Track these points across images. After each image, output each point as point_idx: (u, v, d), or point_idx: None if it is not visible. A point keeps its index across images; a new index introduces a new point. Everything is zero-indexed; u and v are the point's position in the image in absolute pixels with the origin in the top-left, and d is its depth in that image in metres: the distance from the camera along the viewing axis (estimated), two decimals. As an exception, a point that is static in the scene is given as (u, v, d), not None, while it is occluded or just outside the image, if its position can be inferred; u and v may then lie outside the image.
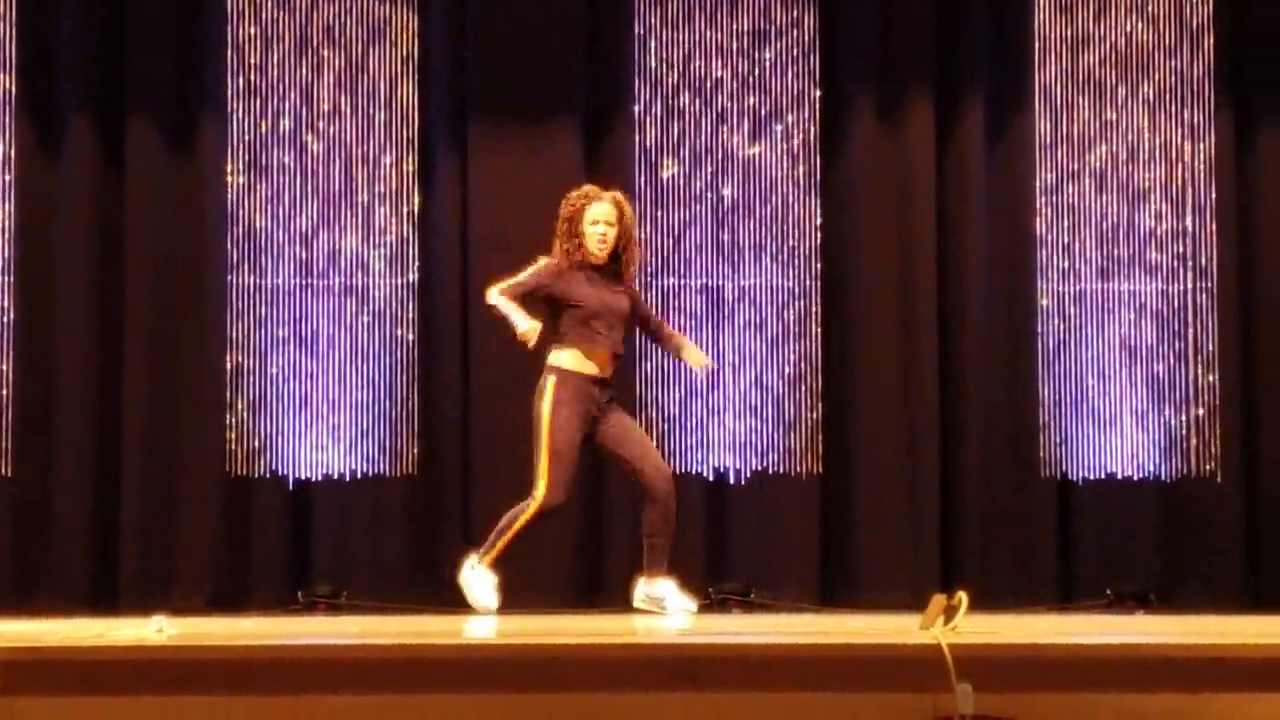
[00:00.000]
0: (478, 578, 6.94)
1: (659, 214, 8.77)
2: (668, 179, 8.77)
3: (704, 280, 8.76)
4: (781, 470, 8.70)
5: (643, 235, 8.68)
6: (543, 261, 6.95)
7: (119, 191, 8.76)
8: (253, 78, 8.72)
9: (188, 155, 8.79)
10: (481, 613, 6.90)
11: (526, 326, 6.75)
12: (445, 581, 8.62)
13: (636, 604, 6.97)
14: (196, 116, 8.77)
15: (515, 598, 8.16)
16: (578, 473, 6.94)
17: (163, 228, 8.76)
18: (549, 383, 6.84)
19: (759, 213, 8.78)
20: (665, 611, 6.88)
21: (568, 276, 6.88)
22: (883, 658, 4.48)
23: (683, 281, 8.75)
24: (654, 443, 7.33)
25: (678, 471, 8.65)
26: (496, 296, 6.86)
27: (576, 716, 4.35)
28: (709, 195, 8.78)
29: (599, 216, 6.93)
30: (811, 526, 8.70)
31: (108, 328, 8.72)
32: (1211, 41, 8.88)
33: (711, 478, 8.70)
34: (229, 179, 8.71)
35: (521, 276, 6.91)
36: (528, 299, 6.88)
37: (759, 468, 8.70)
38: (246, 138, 8.71)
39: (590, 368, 6.86)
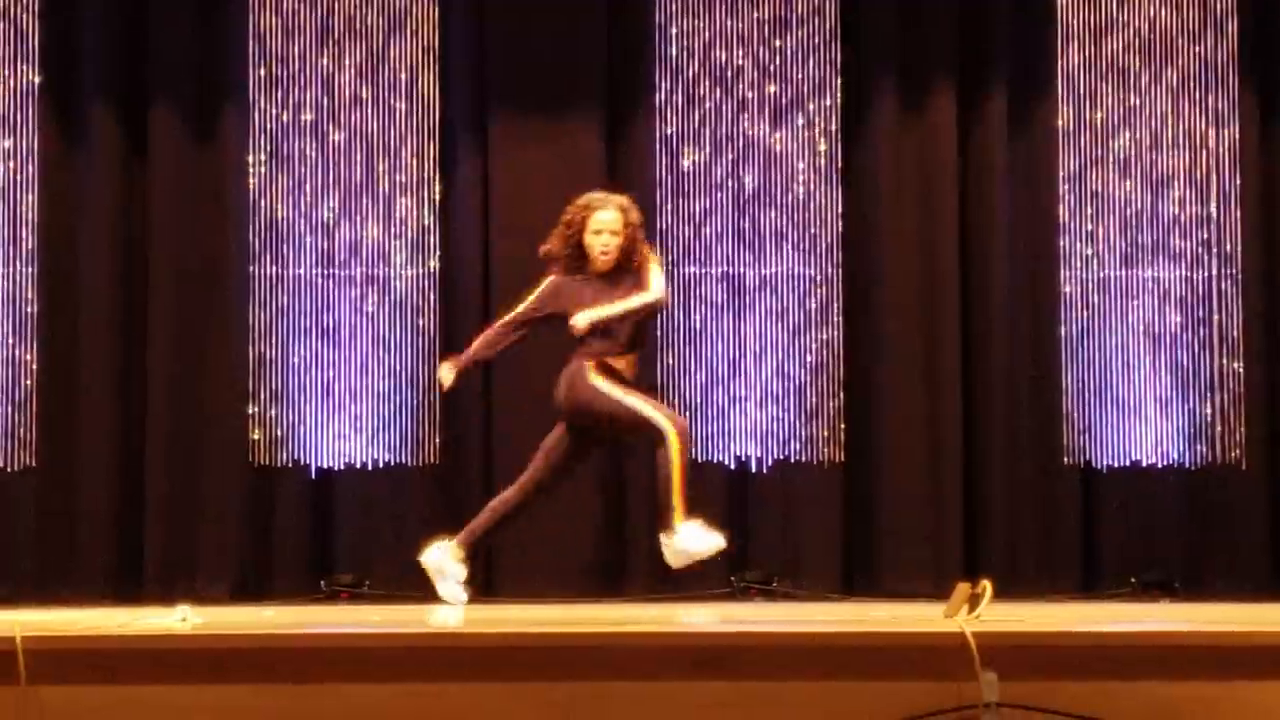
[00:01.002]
0: (689, 532, 6.69)
1: (680, 203, 8.76)
2: (688, 168, 8.76)
3: (725, 269, 8.75)
4: (804, 459, 8.69)
5: (664, 224, 8.68)
6: (545, 283, 6.88)
7: (142, 182, 8.78)
8: (274, 68, 8.72)
9: (210, 146, 8.80)
10: (714, 553, 6.72)
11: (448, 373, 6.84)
12: (467, 569, 8.65)
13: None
14: (219, 107, 8.78)
15: (538, 586, 8.19)
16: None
17: (185, 218, 8.77)
18: (586, 366, 6.78)
19: (780, 201, 8.76)
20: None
21: (568, 291, 6.82)
22: (907, 646, 4.47)
23: (704, 270, 8.74)
24: None
25: (700, 459, 8.66)
26: (494, 329, 6.92)
27: (599, 705, 4.35)
28: (730, 184, 8.77)
29: (602, 225, 6.86)
30: (834, 515, 8.69)
31: (131, 318, 8.73)
32: (1235, 27, 8.84)
33: (733, 466, 8.69)
34: (251, 169, 8.71)
35: (525, 304, 6.90)
36: (533, 323, 6.88)
37: (781, 456, 8.68)
38: (268, 128, 8.72)
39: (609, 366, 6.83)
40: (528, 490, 6.97)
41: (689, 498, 6.67)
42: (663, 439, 6.65)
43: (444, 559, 6.95)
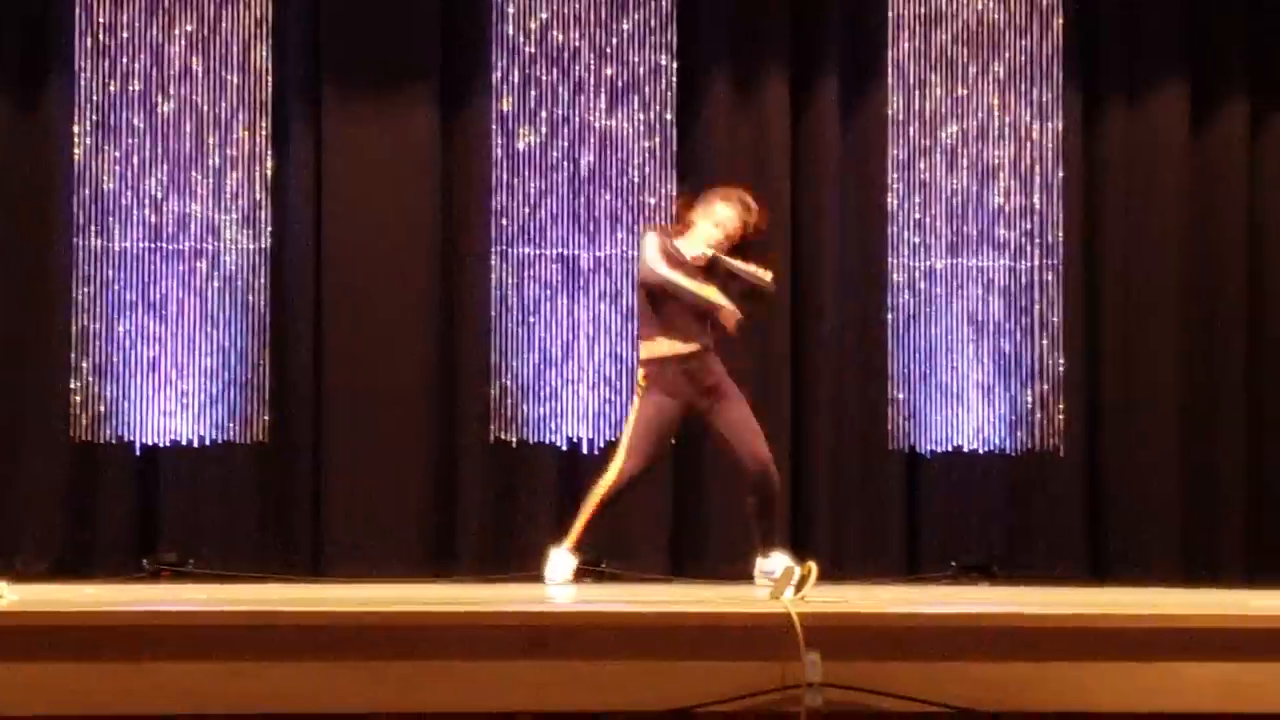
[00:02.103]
0: (557, 558, 6.91)
1: (515, 183, 8.74)
2: (524, 148, 8.75)
3: (560, 250, 8.75)
4: (634, 441, 8.71)
5: (499, 204, 8.67)
6: None
7: (-39, 151, 8.60)
8: (101, 37, 8.56)
9: (34, 115, 8.64)
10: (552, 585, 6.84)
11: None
12: (295, 549, 8.59)
13: (756, 580, 7.00)
14: (43, 76, 8.61)
15: (367, 567, 8.15)
16: (661, 448, 7.00)
17: (7, 189, 8.60)
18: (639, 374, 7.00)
19: (615, 183, 8.78)
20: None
21: None
22: (733, 626, 4.52)
23: (538, 251, 8.74)
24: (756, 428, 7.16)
25: (531, 441, 8.66)
26: None
27: (427, 684, 4.35)
28: (565, 165, 8.77)
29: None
30: (663, 497, 8.73)
31: (-51, 290, 8.56)
32: (1061, 22, 9.01)
33: (565, 447, 8.70)
34: (76, 140, 8.56)
35: None
36: None
37: (612, 438, 8.69)
38: (95, 98, 8.56)
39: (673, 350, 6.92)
40: None
41: (585, 535, 6.93)
42: (606, 467, 6.78)
43: None
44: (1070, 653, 4.47)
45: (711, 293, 6.83)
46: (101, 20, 8.54)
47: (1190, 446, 9.00)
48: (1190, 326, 9.06)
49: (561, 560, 6.94)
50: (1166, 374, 9.03)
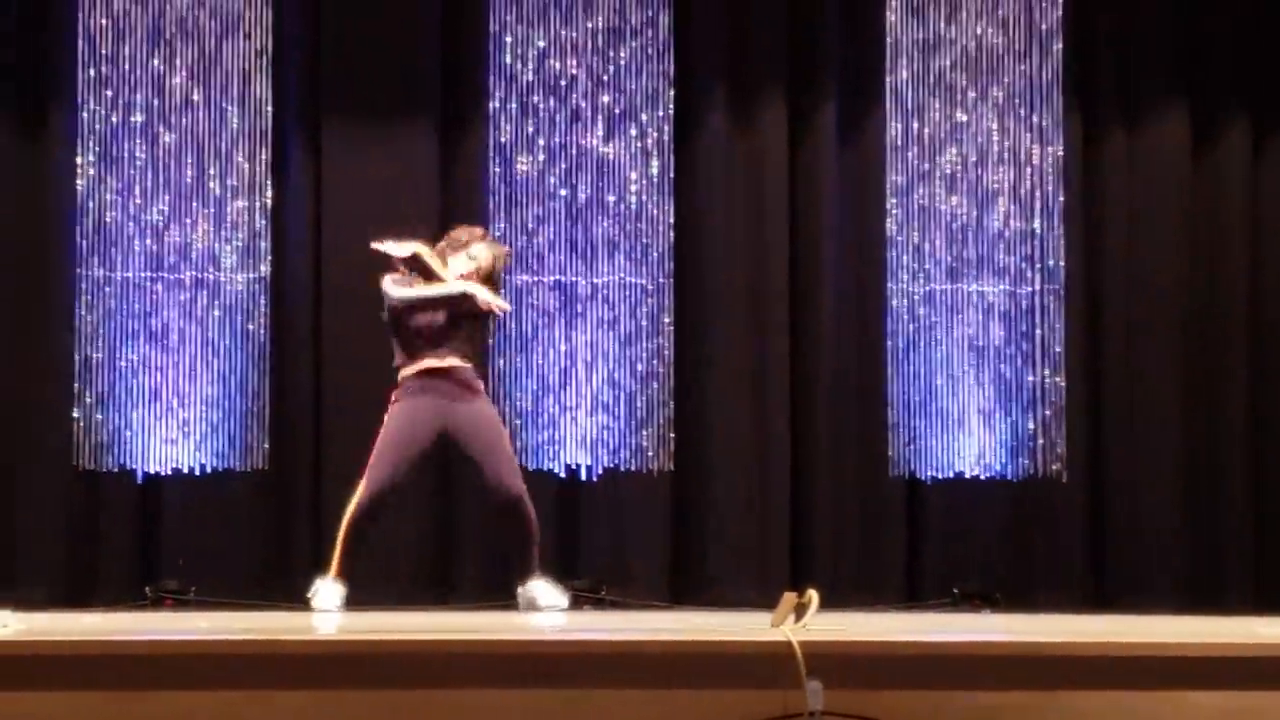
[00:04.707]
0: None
1: (513, 211, 8.77)
2: (522, 176, 8.77)
3: (557, 277, 8.77)
4: (633, 467, 8.72)
5: (497, 231, 8.70)
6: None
7: (-35, 183, 8.62)
8: (104, 69, 8.60)
9: (37, 146, 8.67)
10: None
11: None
12: (295, 577, 8.58)
13: (520, 605, 7.02)
14: (46, 107, 8.65)
15: (366, 594, 8.14)
16: (399, 470, 6.97)
17: (11, 219, 8.63)
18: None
19: (612, 210, 8.80)
20: (540, 609, 6.90)
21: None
22: (733, 655, 4.51)
23: (536, 278, 8.76)
24: (507, 443, 7.23)
25: (530, 467, 8.64)
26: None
27: (426, 712, 4.34)
28: (563, 192, 8.80)
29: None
30: (663, 524, 8.73)
31: (-48, 320, 8.57)
32: (1060, 46, 9.03)
33: (564, 475, 8.71)
34: (79, 170, 8.59)
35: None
36: None
37: (610, 465, 8.71)
38: (98, 129, 8.60)
39: (420, 365, 6.93)
40: None
41: (344, 562, 7.03)
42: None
43: None
44: (1074, 681, 4.46)
45: (455, 286, 6.96)
46: (104, 52, 8.58)
47: (1193, 472, 8.99)
48: (1193, 350, 9.06)
49: (325, 589, 6.97)
50: (1169, 399, 9.02)
